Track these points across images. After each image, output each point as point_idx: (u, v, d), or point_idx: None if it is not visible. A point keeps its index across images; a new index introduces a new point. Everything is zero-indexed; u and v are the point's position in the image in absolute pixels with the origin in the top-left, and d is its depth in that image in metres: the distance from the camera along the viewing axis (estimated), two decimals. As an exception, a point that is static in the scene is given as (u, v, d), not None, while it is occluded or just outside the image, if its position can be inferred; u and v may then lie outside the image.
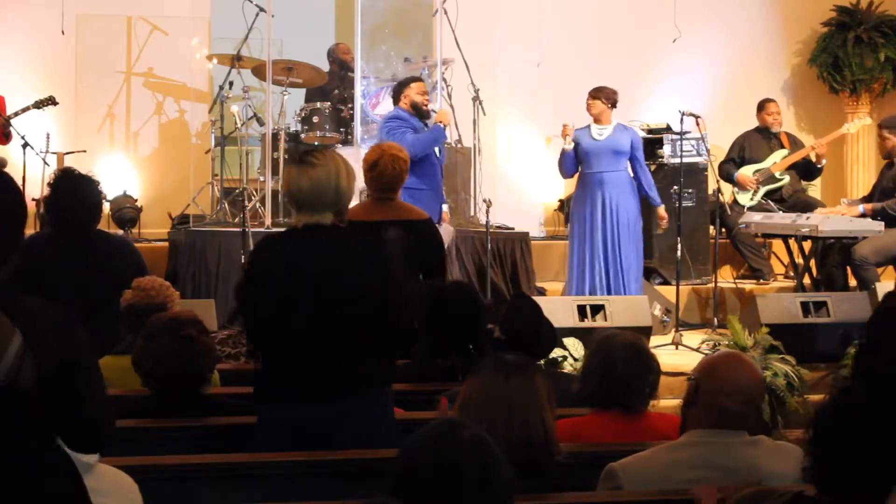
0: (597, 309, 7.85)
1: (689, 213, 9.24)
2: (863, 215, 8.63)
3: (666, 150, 9.78)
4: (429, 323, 4.80)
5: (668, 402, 5.74)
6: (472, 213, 9.99)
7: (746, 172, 9.85)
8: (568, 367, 6.96)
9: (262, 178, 9.63)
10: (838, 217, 8.61)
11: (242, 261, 8.31)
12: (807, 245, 9.12)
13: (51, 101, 9.63)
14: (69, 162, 9.43)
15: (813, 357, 7.58)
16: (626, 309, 7.87)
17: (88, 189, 5.53)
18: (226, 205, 9.60)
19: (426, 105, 8.31)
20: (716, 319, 8.68)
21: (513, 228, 9.93)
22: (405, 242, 5.31)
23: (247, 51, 10.19)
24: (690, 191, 9.58)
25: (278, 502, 3.42)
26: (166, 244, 9.39)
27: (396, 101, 8.35)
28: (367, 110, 10.12)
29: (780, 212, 9.45)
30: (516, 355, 3.45)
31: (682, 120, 8.62)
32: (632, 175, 8.63)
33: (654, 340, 7.96)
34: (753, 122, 10.22)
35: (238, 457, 3.75)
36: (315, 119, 9.81)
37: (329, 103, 10.01)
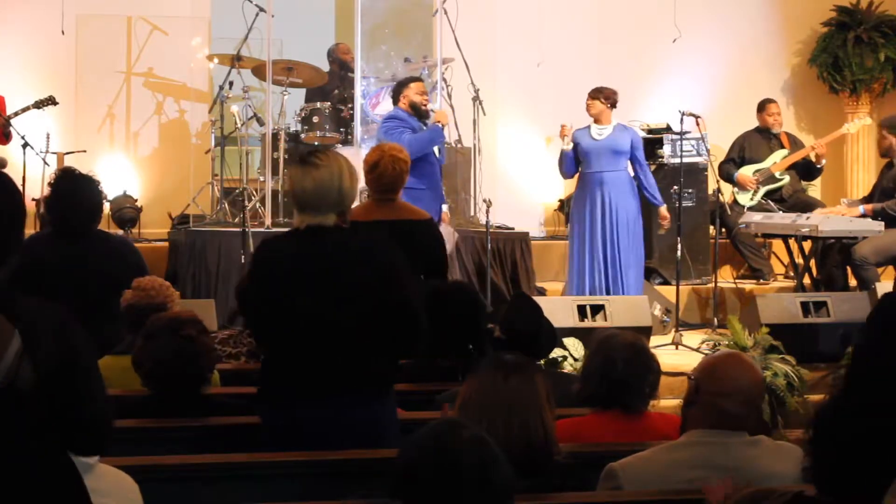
0: (597, 309, 7.85)
1: (689, 213, 9.24)
2: (863, 216, 8.64)
3: (666, 150, 9.78)
4: (429, 323, 4.80)
5: (668, 402, 5.74)
6: (472, 213, 9.99)
7: (746, 172, 9.85)
8: (568, 367, 6.96)
9: (262, 178, 9.64)
10: (838, 217, 8.62)
11: (242, 261, 8.31)
12: (807, 245, 9.12)
13: (51, 101, 9.63)
14: (69, 162, 9.43)
15: (813, 357, 7.58)
16: (626, 309, 7.87)
17: (89, 189, 5.53)
18: (226, 205, 9.61)
19: (425, 105, 8.31)
20: (716, 319, 8.68)
21: (513, 228, 9.93)
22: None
23: (247, 51, 10.19)
24: (690, 191, 9.59)
25: (278, 502, 3.42)
26: (166, 244, 9.40)
27: (395, 101, 8.35)
28: (367, 110, 10.11)
29: (780, 212, 9.45)
30: (516, 355, 3.45)
31: (682, 120, 8.63)
32: (632, 175, 8.64)
33: (654, 340, 7.96)
34: (753, 122, 10.22)
35: (238, 457, 3.75)
36: (315, 119, 9.82)
37: (329, 103, 10.01)
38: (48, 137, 9.80)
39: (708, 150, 9.24)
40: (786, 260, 9.96)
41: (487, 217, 8.72)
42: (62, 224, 5.50)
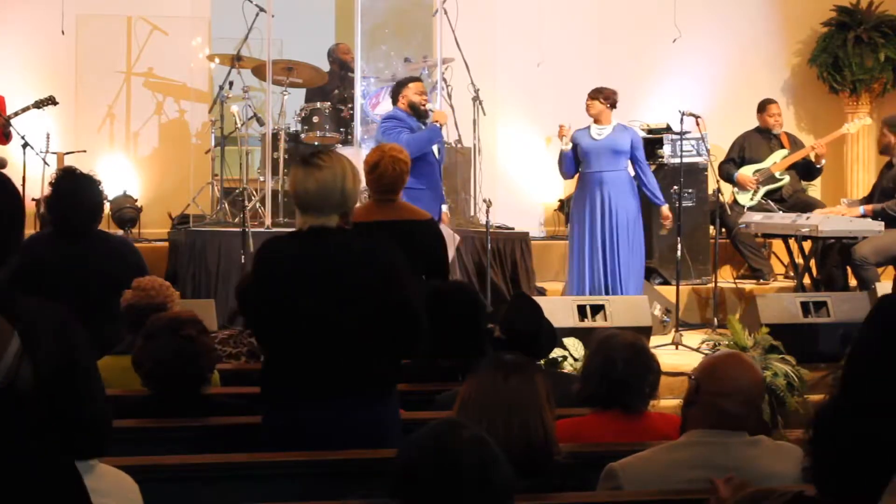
0: (597, 309, 7.85)
1: (689, 213, 9.24)
2: (863, 216, 8.64)
3: (666, 150, 9.78)
4: (429, 323, 4.80)
5: (668, 402, 5.75)
6: (472, 213, 9.99)
7: (746, 172, 9.85)
8: (568, 367, 6.96)
9: (262, 178, 9.64)
10: (838, 217, 8.62)
11: (242, 261, 8.32)
12: (807, 245, 9.12)
13: (51, 100, 9.63)
14: (69, 162, 9.42)
15: (813, 357, 7.58)
16: (626, 309, 7.87)
17: (90, 189, 5.53)
18: (226, 205, 9.61)
19: (424, 105, 8.31)
20: (716, 319, 8.68)
21: (513, 228, 9.93)
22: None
23: (247, 51, 10.19)
24: (690, 191, 9.59)
25: (278, 502, 3.42)
26: (166, 244, 9.40)
27: (395, 101, 8.35)
28: (367, 110, 10.11)
29: (780, 212, 9.45)
30: (516, 355, 3.45)
31: (682, 120, 8.63)
32: (632, 175, 8.64)
33: (654, 340, 7.96)
34: (753, 122, 10.22)
35: (238, 457, 3.75)
36: (315, 119, 9.82)
37: (329, 103, 10.01)
38: (48, 137, 9.80)
39: (708, 150, 9.24)
40: (786, 260, 9.96)
41: (487, 217, 8.72)
42: (63, 224, 5.50)
